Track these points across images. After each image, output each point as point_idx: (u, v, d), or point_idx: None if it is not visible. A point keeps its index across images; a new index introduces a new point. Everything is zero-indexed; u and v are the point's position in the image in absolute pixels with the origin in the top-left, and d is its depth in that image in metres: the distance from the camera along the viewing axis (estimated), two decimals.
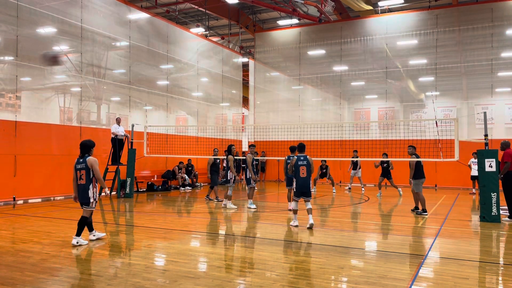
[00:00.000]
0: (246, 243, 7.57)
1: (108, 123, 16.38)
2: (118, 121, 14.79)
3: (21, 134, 12.74)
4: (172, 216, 10.74)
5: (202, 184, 19.95)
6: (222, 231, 8.87)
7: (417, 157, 10.85)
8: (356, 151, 16.73)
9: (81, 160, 7.02)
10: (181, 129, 20.13)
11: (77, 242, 6.89)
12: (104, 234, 7.62)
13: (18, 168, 12.54)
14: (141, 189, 16.63)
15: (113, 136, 14.61)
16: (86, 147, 7.04)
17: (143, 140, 14.85)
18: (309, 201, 8.70)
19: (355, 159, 16.40)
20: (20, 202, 12.55)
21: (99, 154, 15.23)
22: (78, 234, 6.96)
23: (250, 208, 11.59)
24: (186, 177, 18.43)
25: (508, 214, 9.91)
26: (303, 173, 8.57)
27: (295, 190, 8.77)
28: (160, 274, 5.48)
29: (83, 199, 7.01)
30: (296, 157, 8.76)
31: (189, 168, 18.95)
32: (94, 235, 7.30)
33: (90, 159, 6.97)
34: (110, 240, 7.49)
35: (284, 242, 7.58)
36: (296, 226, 8.69)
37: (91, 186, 6.97)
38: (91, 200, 7.00)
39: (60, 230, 8.28)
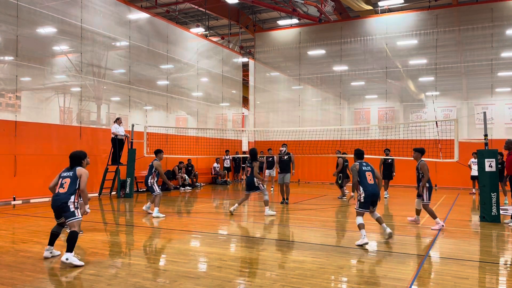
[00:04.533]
0: (246, 243, 7.57)
1: (108, 123, 16.38)
2: (118, 122, 14.78)
3: (21, 134, 12.73)
4: (172, 216, 10.74)
5: (202, 184, 19.96)
6: (222, 231, 8.87)
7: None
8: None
9: (70, 169, 6.20)
10: (181, 129, 20.14)
11: (51, 254, 6.19)
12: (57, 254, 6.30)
13: (18, 168, 12.54)
14: (141, 189, 16.62)
15: (113, 136, 14.60)
16: (77, 159, 6.30)
17: (143, 140, 14.85)
18: (374, 210, 7.61)
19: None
20: (20, 202, 12.55)
21: (99, 154, 15.25)
22: (52, 243, 6.20)
23: (158, 216, 10.09)
24: (186, 177, 18.43)
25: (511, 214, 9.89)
26: (370, 179, 7.45)
27: (363, 200, 7.34)
28: (160, 274, 5.48)
29: (63, 211, 6.01)
30: (358, 163, 7.63)
31: (189, 168, 18.96)
32: (50, 252, 6.22)
33: (80, 169, 6.20)
34: (110, 240, 7.48)
35: (284, 242, 7.58)
36: (367, 243, 7.03)
37: (72, 197, 6.02)
38: (72, 209, 5.99)
39: None
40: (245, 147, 25.21)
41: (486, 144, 10.22)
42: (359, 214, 7.33)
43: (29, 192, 12.87)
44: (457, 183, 19.12)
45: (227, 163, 21.84)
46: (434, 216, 8.83)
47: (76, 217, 6.00)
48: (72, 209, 5.98)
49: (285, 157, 13.00)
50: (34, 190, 13.02)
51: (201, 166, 20.89)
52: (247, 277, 5.39)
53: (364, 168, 7.55)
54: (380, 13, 21.64)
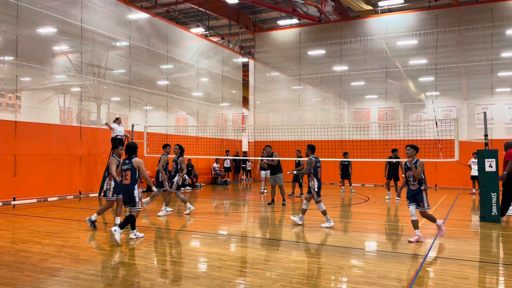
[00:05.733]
0: (246, 243, 7.56)
1: None
2: (118, 121, 14.74)
3: (21, 134, 12.73)
4: (172, 216, 10.74)
5: (202, 184, 19.96)
6: (222, 231, 8.87)
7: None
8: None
9: (127, 161, 7.41)
10: (181, 129, 20.13)
11: (135, 235, 7.51)
12: (142, 235, 7.73)
13: (18, 168, 12.54)
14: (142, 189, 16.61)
15: (112, 134, 14.55)
16: (132, 149, 7.47)
17: (143, 140, 14.85)
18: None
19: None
20: (20, 202, 12.55)
21: (99, 154, 15.25)
22: (133, 227, 7.53)
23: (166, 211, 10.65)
24: (186, 177, 18.42)
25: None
26: (320, 174, 9.05)
27: (317, 190, 8.84)
28: (160, 274, 5.48)
29: (129, 199, 7.38)
30: (314, 159, 8.90)
31: (189, 168, 18.94)
32: (135, 235, 7.58)
33: (137, 160, 7.38)
34: (110, 240, 7.48)
35: (284, 242, 7.58)
36: (333, 225, 8.95)
37: (136, 186, 7.34)
38: (137, 199, 7.35)
39: (60, 230, 8.28)
40: (245, 147, 25.21)
41: (486, 144, 10.22)
42: (319, 201, 8.85)
43: (29, 192, 12.87)
44: (457, 183, 19.12)
45: (227, 163, 21.83)
46: (434, 220, 7.74)
47: (137, 207, 7.36)
48: (137, 200, 7.33)
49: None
50: (34, 190, 13.02)
51: (201, 166, 20.89)
52: (247, 277, 5.39)
53: (318, 164, 8.92)
54: (380, 13, 21.63)
